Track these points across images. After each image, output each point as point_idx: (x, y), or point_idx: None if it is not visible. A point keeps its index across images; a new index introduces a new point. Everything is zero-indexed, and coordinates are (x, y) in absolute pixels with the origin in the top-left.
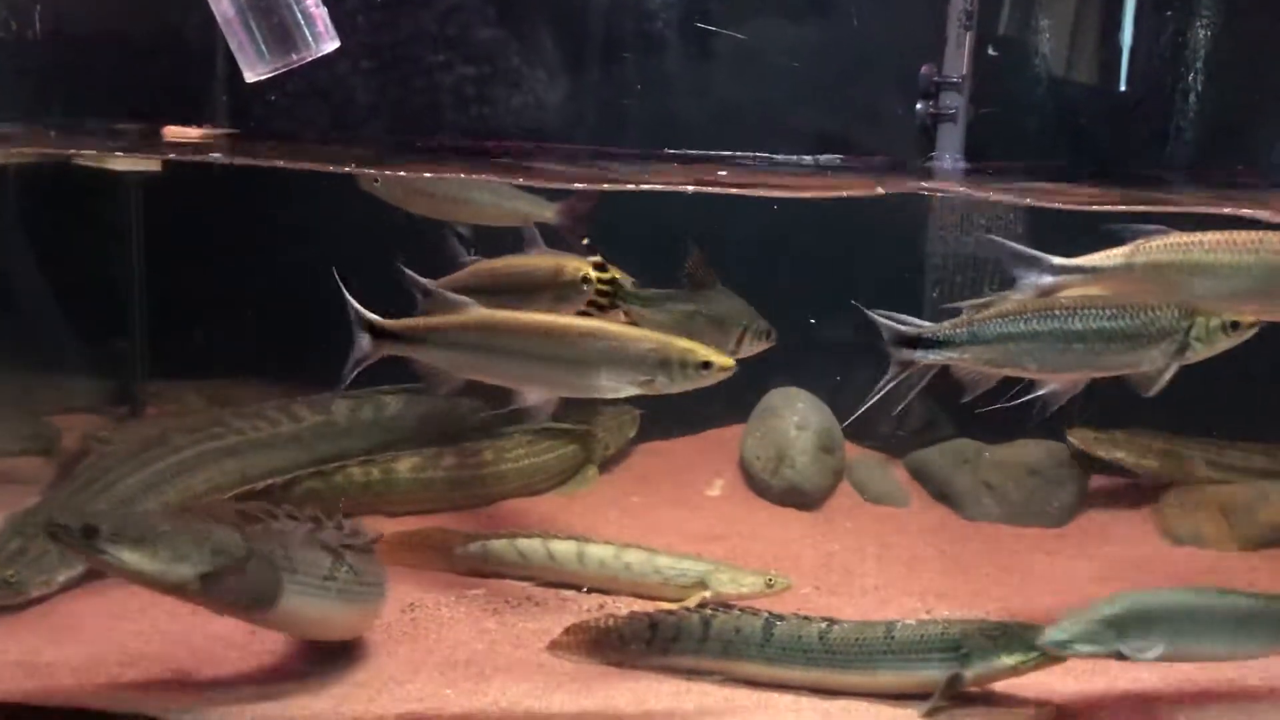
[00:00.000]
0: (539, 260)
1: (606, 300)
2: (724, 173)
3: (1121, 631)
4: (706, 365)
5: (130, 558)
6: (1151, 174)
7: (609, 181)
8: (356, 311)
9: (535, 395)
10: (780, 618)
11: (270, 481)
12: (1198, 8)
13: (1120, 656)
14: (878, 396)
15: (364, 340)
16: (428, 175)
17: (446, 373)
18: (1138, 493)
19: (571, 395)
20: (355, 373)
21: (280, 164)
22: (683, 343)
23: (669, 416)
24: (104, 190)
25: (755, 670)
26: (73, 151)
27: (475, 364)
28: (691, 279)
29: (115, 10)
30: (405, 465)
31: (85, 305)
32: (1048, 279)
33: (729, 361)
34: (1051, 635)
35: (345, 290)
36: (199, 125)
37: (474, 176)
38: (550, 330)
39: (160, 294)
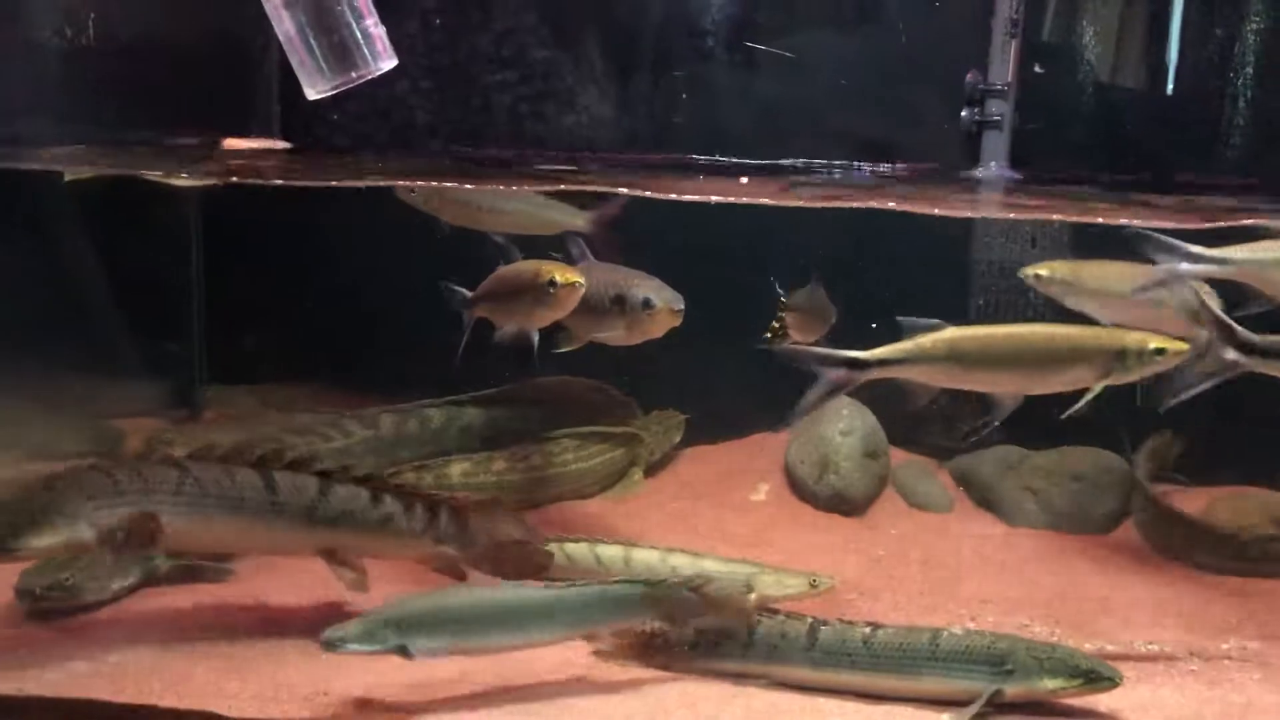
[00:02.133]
0: (523, 266)
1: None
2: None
3: (402, 629)
4: (1160, 352)
5: (37, 542)
6: (1201, 181)
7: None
8: (825, 355)
9: (1008, 399)
10: (825, 622)
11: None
12: (1246, 10)
13: (405, 653)
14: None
15: (838, 372)
16: (468, 186)
17: (923, 386)
18: (1185, 501)
19: (1040, 393)
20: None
21: (323, 183)
22: (1135, 334)
23: (714, 421)
24: (164, 200)
25: (801, 674)
26: (140, 172)
27: (950, 375)
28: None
29: (173, 22)
30: (457, 470)
31: (146, 311)
32: (1185, 266)
33: (1182, 346)
34: (328, 634)
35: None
36: (255, 137)
37: (512, 188)
38: (1016, 338)
39: (218, 300)
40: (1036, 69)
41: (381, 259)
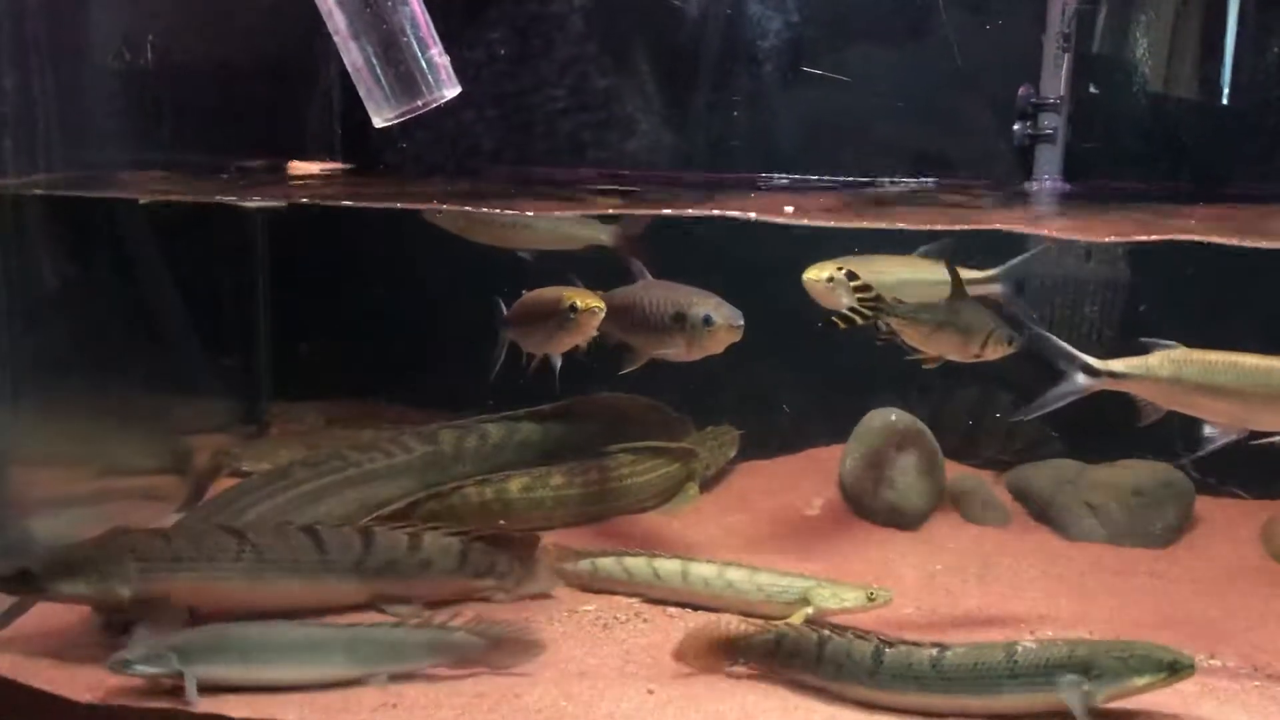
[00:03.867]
0: (547, 292)
1: (870, 312)
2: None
3: (184, 655)
4: None
5: (67, 588)
6: (1260, 192)
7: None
8: (1070, 353)
9: (1229, 431)
10: (889, 644)
11: (394, 507)
12: None
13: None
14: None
15: (1079, 378)
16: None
17: (1153, 405)
18: (1244, 513)
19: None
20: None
21: (362, 204)
22: None
23: (769, 436)
24: (232, 221)
25: (867, 695)
26: (215, 198)
27: (1172, 397)
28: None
29: (238, 46)
30: (516, 485)
31: (215, 330)
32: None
33: None
34: (116, 655)
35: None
36: (319, 160)
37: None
38: (1259, 369)
39: (283, 318)
40: (1091, 89)
41: (443, 277)
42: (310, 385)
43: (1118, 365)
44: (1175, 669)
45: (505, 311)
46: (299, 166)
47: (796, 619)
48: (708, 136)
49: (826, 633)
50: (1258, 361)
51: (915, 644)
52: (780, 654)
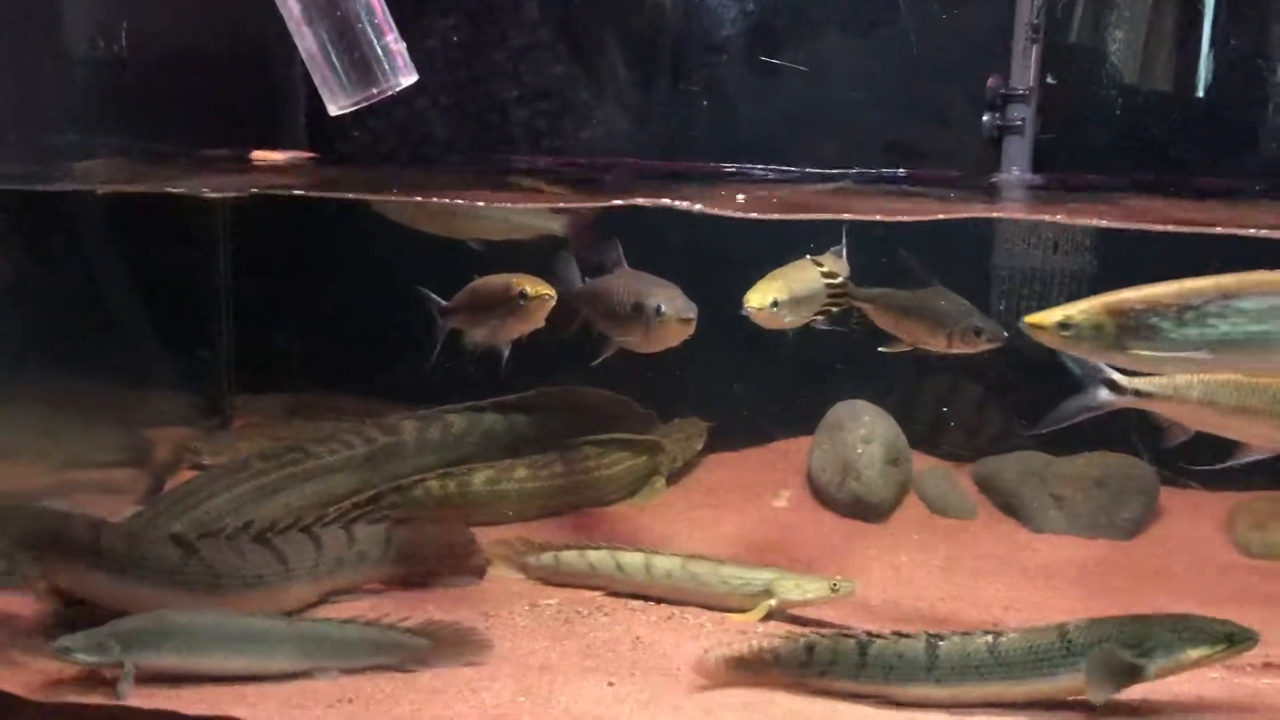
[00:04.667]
0: (495, 278)
1: (840, 300)
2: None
3: (126, 644)
4: None
5: None
6: (1229, 185)
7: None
8: (1094, 367)
9: (1260, 450)
10: (941, 637)
11: (352, 500)
12: (1274, 13)
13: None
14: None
15: (1102, 393)
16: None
17: (1180, 425)
18: (1209, 504)
19: None
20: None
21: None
22: None
23: (737, 429)
24: (193, 211)
25: (925, 694)
26: (166, 190)
27: (1203, 418)
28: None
29: (203, 35)
30: (480, 478)
31: (176, 321)
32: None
33: None
34: (59, 642)
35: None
36: (284, 149)
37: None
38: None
39: (246, 310)
40: (1049, 80)
41: (407, 268)
42: (274, 377)
43: (1143, 384)
44: (1234, 641)
45: (437, 301)
46: (263, 155)
47: (759, 611)
48: (665, 125)
49: (865, 637)
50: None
51: (967, 633)
52: (814, 664)
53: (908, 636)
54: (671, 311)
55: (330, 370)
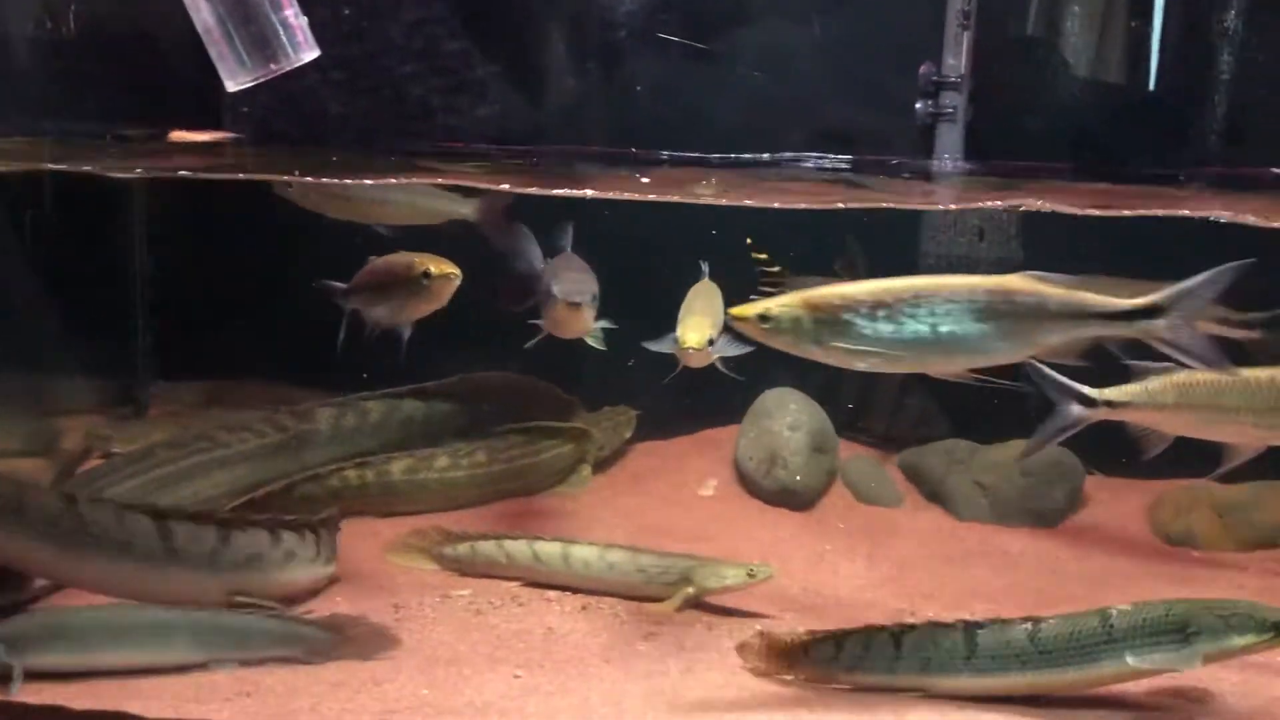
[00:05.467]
0: (397, 258)
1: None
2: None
3: (13, 644)
4: None
5: None
6: (1163, 173)
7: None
8: (1063, 384)
9: (1249, 451)
10: (980, 625)
11: (267, 490)
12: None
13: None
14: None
15: (1074, 409)
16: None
17: (1158, 432)
18: (1132, 493)
19: None
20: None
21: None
22: None
23: (666, 417)
24: (105, 192)
25: (964, 685)
26: (65, 167)
27: (1180, 422)
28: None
29: (123, 11)
30: (399, 467)
31: (89, 307)
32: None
33: None
34: None
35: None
36: (206, 130)
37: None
38: (1252, 383)
39: (163, 295)
40: (925, 65)
41: (330, 252)
42: (194, 364)
43: (1115, 394)
44: None
45: (336, 286)
46: (182, 135)
47: (676, 600)
48: (563, 106)
49: (898, 628)
50: (1270, 374)
51: (1005, 621)
52: (844, 658)
53: (945, 625)
54: (559, 294)
55: (251, 357)
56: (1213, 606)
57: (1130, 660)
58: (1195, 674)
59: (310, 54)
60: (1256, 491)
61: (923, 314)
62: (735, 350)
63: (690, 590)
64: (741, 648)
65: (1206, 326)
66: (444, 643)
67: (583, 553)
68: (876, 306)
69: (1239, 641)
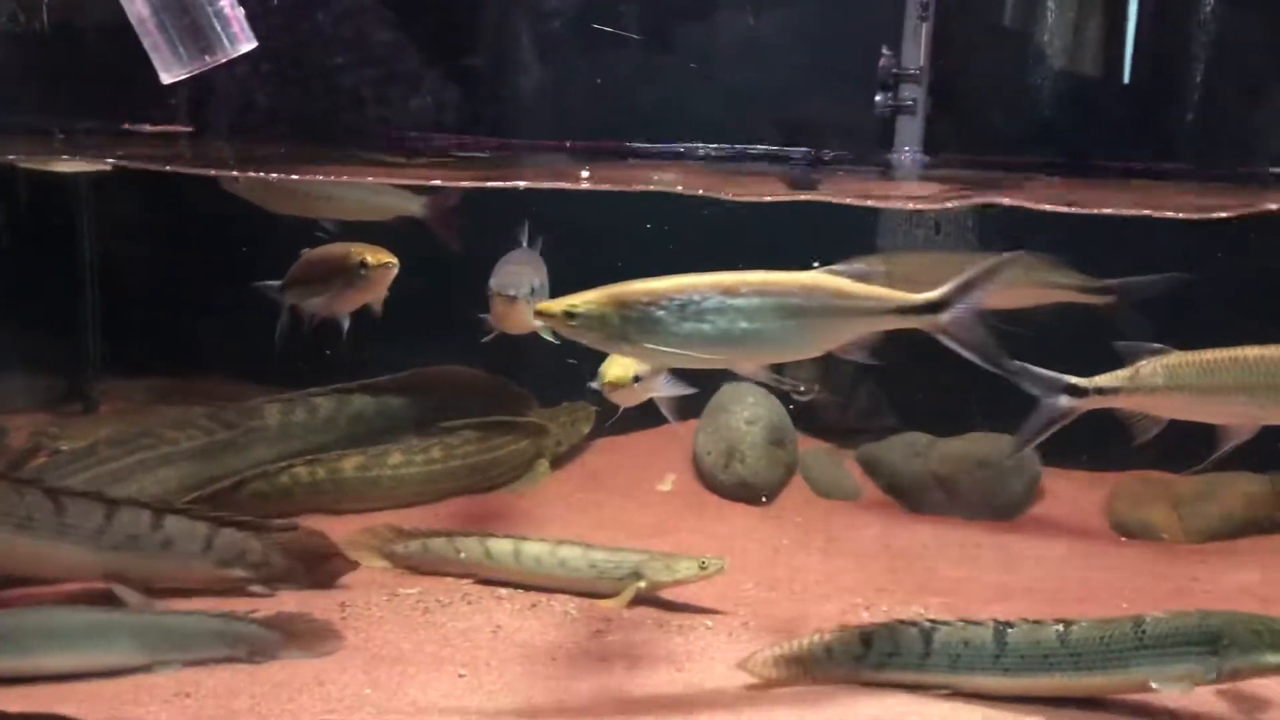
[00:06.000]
0: (332, 249)
1: None
2: None
3: None
4: None
5: None
6: (1116, 166)
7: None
8: (1048, 377)
9: (1240, 432)
10: (1009, 624)
11: (216, 487)
12: None
13: None
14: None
15: (1063, 400)
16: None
17: (1150, 418)
18: (1089, 485)
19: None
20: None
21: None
22: None
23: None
24: (52, 189)
25: (992, 684)
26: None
27: (1172, 405)
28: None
29: (74, 6)
30: (351, 464)
31: (36, 303)
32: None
33: None
34: None
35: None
36: (160, 123)
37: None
38: (1245, 361)
39: (112, 291)
40: (884, 51)
41: (280, 247)
42: (144, 361)
43: (1105, 380)
44: None
45: (272, 285)
46: (135, 129)
47: (626, 595)
48: (496, 97)
49: (928, 624)
50: (1262, 351)
51: (1037, 622)
52: (871, 656)
53: (975, 624)
54: (496, 288)
55: (206, 353)
56: (1248, 621)
57: (1155, 670)
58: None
59: (247, 45)
60: (1210, 484)
61: (728, 310)
62: (673, 391)
63: (641, 584)
64: (748, 660)
65: (1067, 295)
66: (390, 642)
67: (534, 549)
68: (684, 304)
69: (1272, 659)
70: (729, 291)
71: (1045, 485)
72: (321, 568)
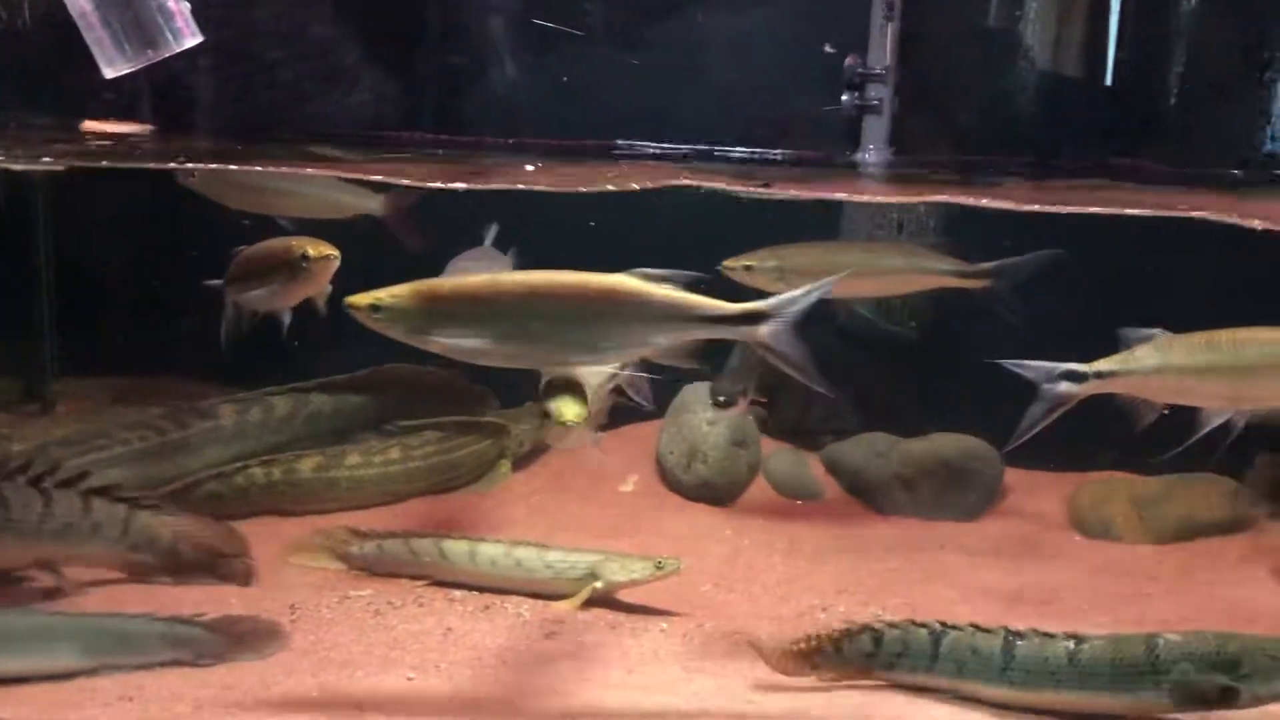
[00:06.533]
0: (273, 243)
1: None
2: None
3: None
4: None
5: None
6: (1082, 165)
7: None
8: (1045, 365)
9: (1221, 414)
10: (1020, 635)
11: (169, 489)
12: None
13: None
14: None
15: (1062, 386)
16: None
17: (1147, 403)
18: (1051, 486)
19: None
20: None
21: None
22: None
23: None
24: (6, 187)
25: (997, 695)
26: None
27: (1166, 388)
28: None
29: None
30: (308, 465)
31: None
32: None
33: None
34: None
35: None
36: (120, 120)
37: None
38: (1238, 343)
39: (69, 289)
40: (828, 48)
41: (235, 243)
42: (102, 360)
43: (1104, 364)
44: None
45: (216, 285)
46: (95, 126)
47: (582, 596)
48: (438, 92)
49: (939, 627)
50: (1252, 332)
51: (1049, 635)
52: (881, 656)
53: (986, 631)
54: None
55: (166, 352)
56: (1268, 646)
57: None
58: None
59: (192, 40)
60: (1170, 485)
61: (528, 311)
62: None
63: (597, 585)
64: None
65: (943, 280)
66: (339, 644)
67: (490, 550)
68: (488, 301)
69: None
70: (532, 292)
71: (1007, 485)
72: (227, 565)
